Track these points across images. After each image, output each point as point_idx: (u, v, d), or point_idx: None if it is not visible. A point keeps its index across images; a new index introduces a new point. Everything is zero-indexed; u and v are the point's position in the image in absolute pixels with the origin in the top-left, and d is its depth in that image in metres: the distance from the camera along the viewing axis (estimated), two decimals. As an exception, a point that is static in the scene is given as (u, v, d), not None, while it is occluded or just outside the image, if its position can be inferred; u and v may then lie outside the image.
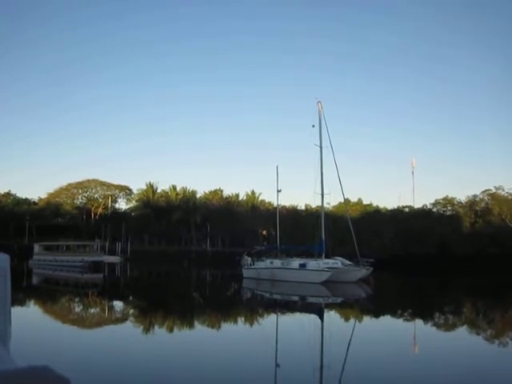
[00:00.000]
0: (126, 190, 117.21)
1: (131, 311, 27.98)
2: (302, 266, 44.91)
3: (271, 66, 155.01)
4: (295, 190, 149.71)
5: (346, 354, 15.71)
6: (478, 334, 21.98)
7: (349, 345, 17.55)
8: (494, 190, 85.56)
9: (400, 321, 26.27)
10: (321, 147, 48.27)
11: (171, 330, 20.82)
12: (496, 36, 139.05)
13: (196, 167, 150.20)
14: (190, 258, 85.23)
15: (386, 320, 26.40)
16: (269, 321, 25.42)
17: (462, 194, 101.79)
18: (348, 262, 46.71)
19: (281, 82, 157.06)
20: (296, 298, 37.35)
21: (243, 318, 25.69)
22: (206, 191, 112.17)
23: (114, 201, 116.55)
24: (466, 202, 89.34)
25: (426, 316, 27.30)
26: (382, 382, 12.28)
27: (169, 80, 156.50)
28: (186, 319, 24.17)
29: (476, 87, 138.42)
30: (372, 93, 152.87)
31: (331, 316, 27.89)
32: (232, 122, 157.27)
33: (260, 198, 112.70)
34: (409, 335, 20.63)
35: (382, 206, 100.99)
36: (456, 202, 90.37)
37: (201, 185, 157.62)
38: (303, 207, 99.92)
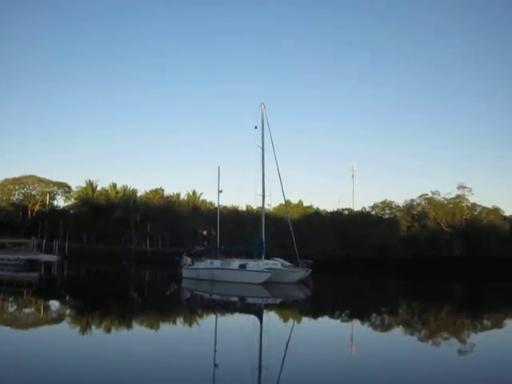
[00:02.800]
0: (64, 187, 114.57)
1: (67, 311, 27.41)
2: (242, 266, 45.08)
3: (214, 67, 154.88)
4: (237, 190, 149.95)
5: (284, 354, 15.85)
6: (412, 334, 22.51)
7: (287, 345, 17.72)
8: (430, 195, 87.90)
9: (337, 321, 26.65)
10: (263, 149, 48.54)
11: (108, 331, 20.51)
12: (439, 35, 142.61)
13: (137, 166, 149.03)
14: (129, 258, 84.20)
15: (324, 321, 26.74)
16: (208, 321, 25.39)
17: (400, 198, 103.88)
18: (287, 264, 47.12)
19: (224, 83, 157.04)
20: (235, 299, 37.44)
21: (182, 319, 25.56)
22: (147, 190, 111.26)
23: (52, 198, 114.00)
24: (403, 206, 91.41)
25: (362, 317, 27.80)
26: (319, 381, 12.44)
27: (110, 76, 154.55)
28: (124, 319, 23.88)
29: (411, 90, 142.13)
30: (315, 98, 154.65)
31: (270, 317, 28.05)
32: (174, 122, 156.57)
33: (201, 198, 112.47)
34: (346, 336, 20.93)
35: (322, 208, 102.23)
36: (394, 206, 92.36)
37: (142, 184, 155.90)
38: (244, 208, 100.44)
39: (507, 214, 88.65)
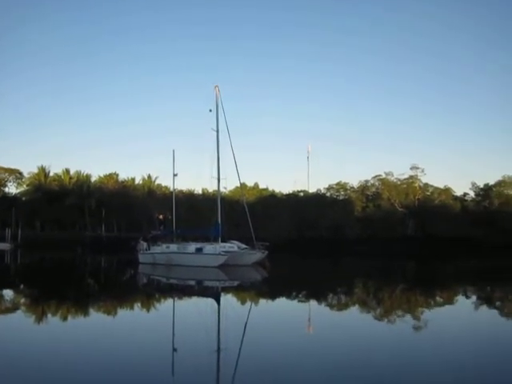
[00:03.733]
0: (16, 174, 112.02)
1: (22, 300, 26.98)
2: (199, 250, 45.07)
3: (172, 53, 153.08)
4: (192, 174, 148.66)
5: (243, 337, 15.97)
6: (367, 312, 22.92)
7: (245, 327, 17.83)
8: (384, 176, 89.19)
9: (294, 302, 26.95)
10: (217, 132, 48.28)
11: (64, 319, 20.26)
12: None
13: (91, 151, 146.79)
14: (84, 244, 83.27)
15: (281, 302, 26.99)
16: (165, 306, 25.38)
17: (354, 180, 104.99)
18: (244, 246, 47.24)
19: (180, 67, 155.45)
20: (193, 283, 37.49)
21: (139, 304, 25.44)
22: (101, 175, 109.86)
23: (3, 185, 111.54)
24: (358, 187, 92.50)
25: (319, 297, 28.17)
26: (277, 362, 12.58)
27: (66, 58, 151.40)
28: (80, 307, 23.60)
29: (366, 68, 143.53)
30: (271, 80, 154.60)
31: (228, 299, 28.16)
32: (128, 105, 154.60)
33: (157, 183, 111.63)
34: (303, 316, 21.16)
35: (278, 190, 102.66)
36: (348, 187, 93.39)
37: (96, 169, 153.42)
38: (200, 191, 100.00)
39: (458, 193, 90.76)
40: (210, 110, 48.30)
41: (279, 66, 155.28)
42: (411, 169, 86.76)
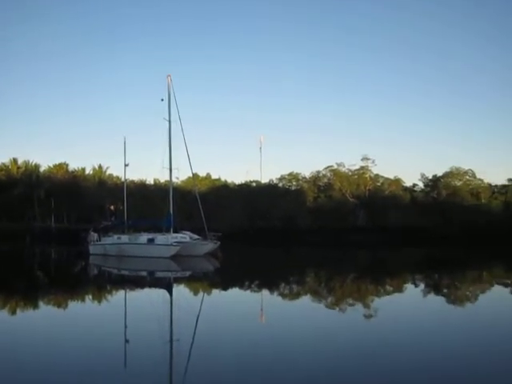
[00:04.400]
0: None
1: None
2: (150, 240, 44.83)
3: (123, 45, 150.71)
4: (144, 164, 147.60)
5: (195, 327, 16.02)
6: (319, 301, 23.26)
7: (198, 318, 17.88)
8: (335, 167, 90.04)
9: (247, 292, 27.13)
10: (170, 121, 47.86)
11: (13, 312, 19.95)
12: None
13: (40, 140, 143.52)
14: (33, 235, 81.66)
15: (234, 292, 27.10)
16: (117, 297, 25.19)
17: (306, 170, 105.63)
18: (196, 237, 47.20)
19: (132, 57, 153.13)
20: (144, 274, 37.29)
21: (90, 296, 25.21)
22: (51, 165, 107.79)
23: None
24: (309, 178, 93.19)
25: (271, 287, 28.42)
26: (230, 352, 12.67)
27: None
28: (29, 300, 23.26)
29: (320, 59, 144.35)
30: (224, 71, 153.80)
31: (180, 290, 28.15)
32: (77, 94, 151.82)
33: (108, 173, 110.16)
34: (256, 306, 21.33)
35: (230, 180, 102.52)
36: (301, 178, 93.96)
37: (45, 159, 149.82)
38: (152, 182, 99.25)
39: (408, 184, 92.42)
40: (162, 100, 47.91)
41: (233, 57, 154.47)
42: (362, 160, 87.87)
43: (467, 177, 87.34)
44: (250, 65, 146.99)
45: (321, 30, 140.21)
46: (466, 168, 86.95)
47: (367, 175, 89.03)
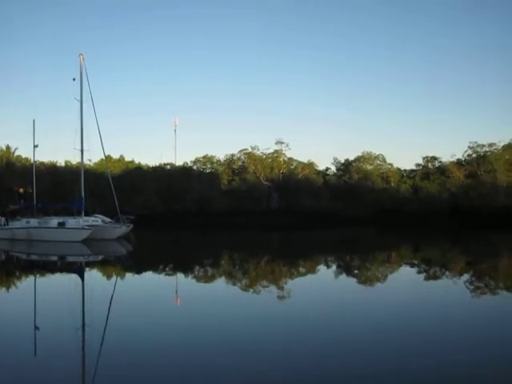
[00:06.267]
0: None
1: None
2: (61, 224, 43.71)
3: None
4: (55, 146, 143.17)
5: (108, 312, 15.78)
6: (233, 284, 23.42)
7: (110, 302, 17.60)
8: (250, 150, 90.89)
9: (161, 276, 26.89)
10: (81, 102, 46.59)
11: None
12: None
13: None
14: None
15: (147, 275, 26.85)
16: (26, 283, 24.39)
17: (221, 153, 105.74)
18: (108, 220, 46.57)
19: (40, 37, 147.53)
20: (55, 258, 36.38)
21: (-3, 282, 24.36)
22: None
23: None
24: (224, 161, 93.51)
25: (185, 269, 28.40)
26: (144, 336, 12.54)
27: None
28: None
29: (241, 39, 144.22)
30: (139, 51, 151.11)
31: (92, 274, 27.62)
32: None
33: (16, 154, 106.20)
34: (170, 289, 21.25)
35: (144, 163, 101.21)
36: (215, 161, 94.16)
37: None
38: (63, 164, 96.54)
39: (321, 168, 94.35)
40: (74, 79, 46.58)
41: (147, 42, 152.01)
42: (276, 143, 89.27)
43: (378, 161, 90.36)
44: (164, 46, 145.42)
45: None
46: (377, 153, 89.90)
47: (281, 159, 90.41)
